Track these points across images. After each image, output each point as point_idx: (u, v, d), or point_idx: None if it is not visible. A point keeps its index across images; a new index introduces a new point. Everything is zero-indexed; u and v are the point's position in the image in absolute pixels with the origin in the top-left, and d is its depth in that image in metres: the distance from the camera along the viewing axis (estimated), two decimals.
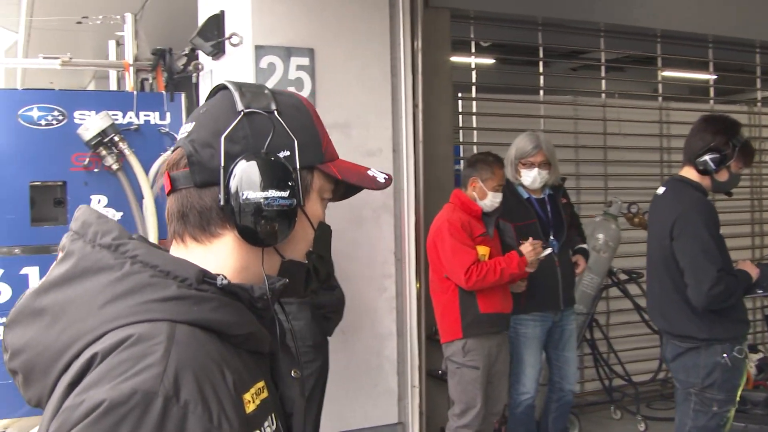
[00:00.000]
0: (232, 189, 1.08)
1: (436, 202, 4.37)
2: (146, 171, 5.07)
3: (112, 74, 5.98)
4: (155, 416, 0.87)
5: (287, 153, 1.12)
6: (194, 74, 5.28)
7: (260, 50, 4.29)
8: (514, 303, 4.20)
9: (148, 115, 5.15)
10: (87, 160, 4.94)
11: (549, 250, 4.12)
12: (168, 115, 5.19)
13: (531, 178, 4.32)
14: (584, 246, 4.69)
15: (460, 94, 5.73)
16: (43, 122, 4.94)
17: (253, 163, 1.08)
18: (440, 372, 4.64)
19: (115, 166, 4.95)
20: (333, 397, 4.06)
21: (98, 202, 5.07)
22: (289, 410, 1.19)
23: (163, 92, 5.21)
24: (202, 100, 5.21)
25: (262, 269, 1.12)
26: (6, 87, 9.32)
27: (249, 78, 4.29)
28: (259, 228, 1.09)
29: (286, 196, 1.10)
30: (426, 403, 4.74)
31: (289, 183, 1.10)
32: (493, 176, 4.11)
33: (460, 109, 5.72)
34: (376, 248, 4.65)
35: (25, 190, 4.94)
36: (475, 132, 5.72)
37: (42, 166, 4.98)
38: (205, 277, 1.04)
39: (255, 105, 1.13)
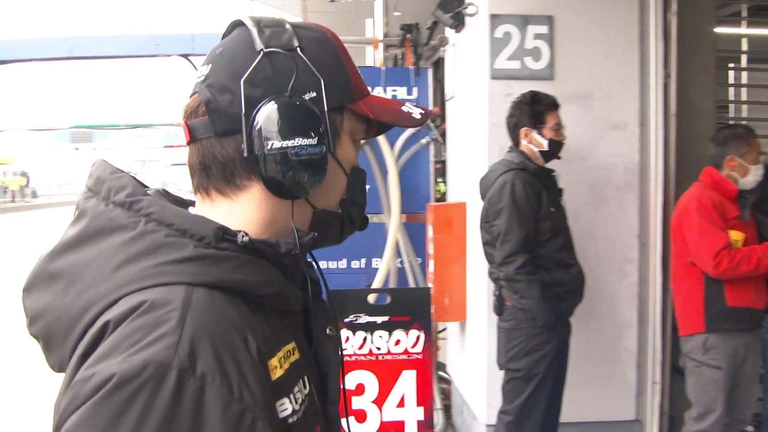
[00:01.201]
0: (255, 138, 0.98)
1: (693, 182, 3.93)
2: (391, 145, 5.15)
3: (369, 51, 6.13)
4: (170, 390, 0.80)
5: (313, 94, 1.00)
6: (440, 48, 5.26)
7: (495, 19, 4.13)
8: None
9: (396, 90, 5.22)
10: None
11: None
12: (415, 89, 5.22)
13: None
14: None
15: (731, 65, 5.15)
16: None
17: (277, 108, 0.98)
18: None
19: (361, 141, 5.06)
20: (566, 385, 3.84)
21: None
22: (325, 370, 1.09)
23: (410, 67, 5.24)
24: (446, 74, 5.20)
25: (292, 222, 1.02)
26: None
27: (484, 49, 4.17)
28: (286, 179, 0.99)
29: (315, 143, 0.99)
30: (670, 402, 4.33)
31: (318, 128, 0.99)
32: (750, 148, 3.63)
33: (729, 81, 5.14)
34: (617, 230, 4.33)
35: None
36: (744, 107, 5.10)
37: None
38: (225, 235, 0.95)
39: (275, 42, 1.01)
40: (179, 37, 5.12)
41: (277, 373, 0.93)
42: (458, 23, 4.56)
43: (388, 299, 4.43)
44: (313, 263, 1.17)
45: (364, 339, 4.34)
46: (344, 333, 4.31)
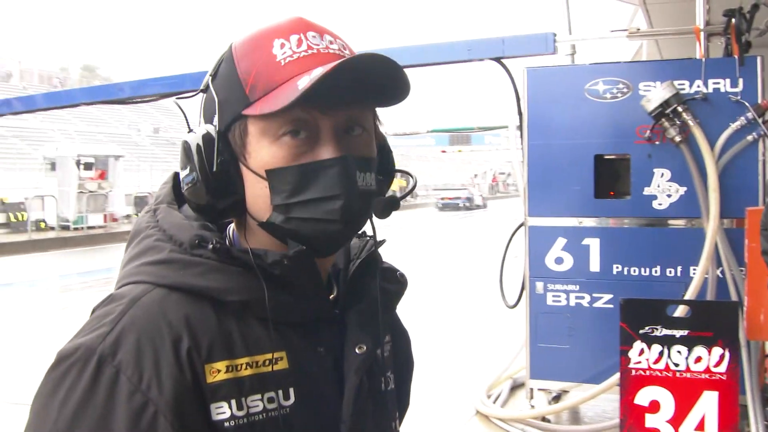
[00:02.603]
0: None
1: None
2: (712, 143, 4.71)
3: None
4: (91, 371, 0.92)
5: (216, 116, 1.05)
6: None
7: None
8: None
9: (718, 83, 4.77)
10: (648, 132, 4.84)
11: None
12: (740, 81, 4.72)
13: None
14: None
15: None
16: (608, 95, 5.01)
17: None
18: None
19: (677, 138, 4.75)
20: None
21: (661, 176, 4.93)
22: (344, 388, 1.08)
23: (734, 56, 4.74)
24: None
25: (244, 239, 1.09)
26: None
27: None
28: (192, 205, 1.08)
29: (188, 172, 1.05)
30: None
31: (191, 158, 1.04)
32: None
33: None
34: None
35: (590, 163, 5.06)
36: None
37: (606, 139, 5.06)
38: (200, 242, 1.02)
39: (212, 73, 1.08)
40: (489, 41, 5.15)
41: (217, 377, 0.97)
42: None
43: (689, 312, 4.05)
44: (377, 276, 1.15)
45: (660, 353, 4.02)
46: (638, 345, 4.04)
